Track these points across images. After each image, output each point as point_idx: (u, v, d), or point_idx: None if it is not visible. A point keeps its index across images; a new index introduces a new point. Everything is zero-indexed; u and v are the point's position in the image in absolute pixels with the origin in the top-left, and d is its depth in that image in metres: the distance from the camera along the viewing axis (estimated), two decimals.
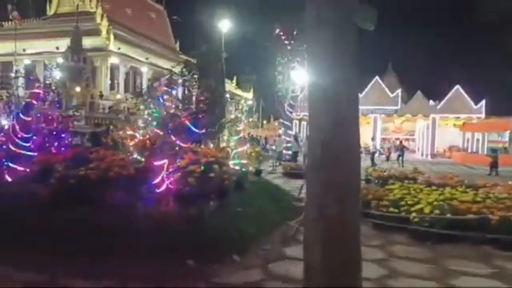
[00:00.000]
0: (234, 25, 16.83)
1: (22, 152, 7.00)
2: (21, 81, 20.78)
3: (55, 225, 5.44)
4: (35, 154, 7.09)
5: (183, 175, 6.01)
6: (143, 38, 37.29)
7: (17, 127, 6.89)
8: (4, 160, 6.97)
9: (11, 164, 6.90)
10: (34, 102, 7.01)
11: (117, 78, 33.99)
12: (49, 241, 5.16)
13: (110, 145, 8.37)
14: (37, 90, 7.07)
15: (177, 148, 6.31)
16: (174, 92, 7.87)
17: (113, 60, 32.87)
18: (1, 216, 5.62)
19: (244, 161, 8.70)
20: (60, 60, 29.40)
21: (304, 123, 33.99)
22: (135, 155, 8.00)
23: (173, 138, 6.30)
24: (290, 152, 20.34)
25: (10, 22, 32.68)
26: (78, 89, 22.85)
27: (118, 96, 31.44)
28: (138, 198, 6.03)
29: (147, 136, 8.36)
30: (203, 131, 6.46)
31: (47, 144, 7.26)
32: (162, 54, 38.54)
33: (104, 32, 32.45)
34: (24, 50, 32.30)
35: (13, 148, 7.00)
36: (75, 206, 5.82)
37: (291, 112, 23.31)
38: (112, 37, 32.28)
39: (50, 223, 5.47)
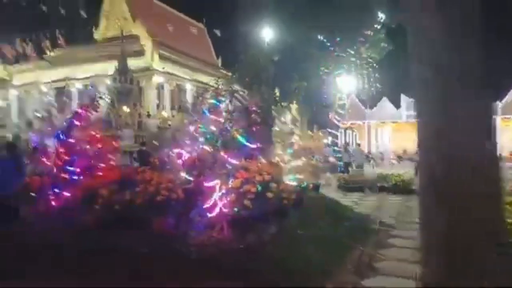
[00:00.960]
0: (276, 34, 16.13)
1: (67, 176, 6.55)
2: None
3: (96, 253, 4.87)
4: (80, 178, 6.63)
5: (238, 196, 5.23)
6: (185, 56, 37.67)
7: (60, 150, 6.47)
8: (50, 186, 6.56)
9: (56, 190, 6.47)
10: (77, 122, 6.59)
11: (162, 97, 34.39)
12: (88, 269, 4.62)
13: (157, 164, 7.78)
14: (79, 110, 6.67)
15: (228, 166, 5.54)
16: (222, 105, 7.15)
17: (158, 79, 33.36)
18: (42, 242, 5.18)
19: (301, 176, 7.81)
20: (109, 82, 30.30)
21: (349, 132, 32.46)
22: (184, 174, 7.36)
23: (224, 155, 5.53)
24: (341, 163, 19.16)
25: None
26: (126, 109, 23.16)
27: (164, 114, 31.73)
28: (188, 224, 5.33)
29: (195, 153, 7.72)
30: (257, 145, 5.66)
31: (92, 167, 6.79)
32: (204, 70, 38.69)
33: (148, 53, 33.04)
34: (75, 75, 33.53)
35: (58, 173, 6.57)
36: (119, 234, 5.22)
37: (338, 121, 22.15)
38: (156, 57, 32.81)
39: (90, 251, 4.91)
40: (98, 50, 34.99)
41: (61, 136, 6.50)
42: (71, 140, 6.50)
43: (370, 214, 8.87)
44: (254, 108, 5.87)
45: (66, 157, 6.40)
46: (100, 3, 38.34)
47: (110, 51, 31.65)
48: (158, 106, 33.90)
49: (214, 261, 4.67)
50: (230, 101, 6.44)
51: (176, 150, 7.60)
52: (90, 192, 5.98)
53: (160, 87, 34.06)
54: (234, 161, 5.38)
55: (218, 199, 5.28)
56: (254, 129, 5.51)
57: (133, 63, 28.35)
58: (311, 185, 8.18)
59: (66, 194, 6.45)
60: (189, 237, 5.06)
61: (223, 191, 5.30)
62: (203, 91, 37.31)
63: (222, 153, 5.49)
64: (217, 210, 5.23)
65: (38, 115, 23.96)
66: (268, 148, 6.71)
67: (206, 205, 5.26)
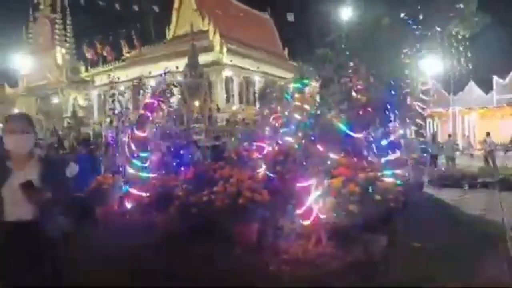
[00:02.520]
0: (354, 13, 14.57)
1: (139, 174, 5.92)
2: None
3: (170, 269, 4.07)
4: (153, 175, 5.98)
5: (339, 199, 4.13)
6: (253, 48, 37.12)
7: (132, 145, 5.85)
8: (122, 184, 5.99)
9: (129, 189, 5.87)
10: (148, 114, 5.93)
11: (231, 90, 34.17)
12: None
13: (234, 160, 6.92)
14: (150, 100, 6.02)
15: (324, 161, 4.44)
16: (307, 89, 6.04)
17: (227, 72, 33.19)
18: (113, 251, 4.51)
19: (398, 171, 6.47)
20: (179, 78, 30.66)
21: (429, 120, 29.46)
22: (264, 171, 6.42)
23: (319, 147, 4.45)
24: (425, 155, 17.01)
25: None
26: (197, 103, 23.04)
27: (234, 107, 31.44)
28: (277, 233, 4.35)
29: (277, 146, 6.72)
30: (363, 134, 4.49)
31: (165, 163, 6.12)
32: (271, 62, 37.87)
33: (217, 47, 33.01)
34: (149, 72, 34.49)
35: (130, 170, 5.97)
36: (197, 243, 4.40)
37: (423, 109, 19.86)
38: (225, 50, 32.65)
39: (163, 265, 4.13)
40: (170, 48, 35.72)
41: (133, 131, 5.89)
42: (143, 134, 5.86)
43: (485, 215, 7.27)
44: (359, 86, 4.68)
45: (138, 153, 5.79)
46: (171, 3, 39.28)
47: (181, 48, 32.08)
48: (227, 99, 33.76)
49: (315, 282, 3.64)
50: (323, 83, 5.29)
51: (255, 144, 6.68)
52: (164, 192, 5.26)
53: (229, 81, 33.88)
54: (333, 155, 4.27)
55: (313, 203, 4.22)
56: (360, 112, 4.33)
57: (202, 58, 28.36)
58: (413, 183, 6.82)
59: (138, 193, 5.83)
60: (279, 251, 4.07)
61: (320, 192, 4.22)
62: (271, 83, 36.47)
63: (317, 146, 4.39)
64: (312, 216, 4.18)
65: (116, 111, 24.63)
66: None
67: (298, 211, 4.23)
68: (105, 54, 29.07)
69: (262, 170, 6.77)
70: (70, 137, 21.95)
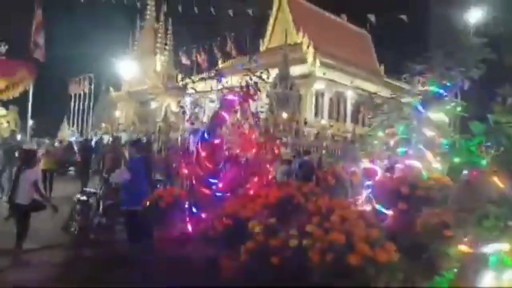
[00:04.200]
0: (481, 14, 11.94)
1: (209, 192, 4.49)
2: None
3: None
4: (225, 195, 4.52)
5: None
6: (347, 63, 34.96)
7: (202, 155, 4.46)
8: (187, 203, 4.61)
9: (195, 210, 4.47)
10: (225, 114, 4.50)
11: (321, 105, 32.31)
12: None
13: (330, 184, 5.16)
14: (231, 96, 4.61)
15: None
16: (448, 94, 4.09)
17: (318, 86, 31.47)
18: None
19: None
20: (269, 89, 29.78)
21: None
22: (373, 204, 4.57)
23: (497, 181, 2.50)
24: None
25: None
26: (284, 115, 21.70)
27: (323, 122, 29.50)
28: None
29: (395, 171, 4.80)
30: None
31: (242, 181, 4.64)
32: (366, 77, 35.23)
33: (310, 59, 31.58)
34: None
35: (197, 185, 4.58)
36: None
37: None
38: (318, 62, 31.08)
39: None
40: (262, 59, 35.18)
41: (205, 135, 4.51)
42: (217, 141, 4.45)
43: None
44: None
45: (209, 164, 4.41)
46: (267, 18, 39.07)
47: (273, 59, 31.33)
48: (316, 114, 31.98)
49: None
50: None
51: (363, 164, 4.84)
52: (237, 222, 3.74)
53: (319, 95, 32.10)
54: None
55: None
56: None
57: (294, 70, 27.12)
58: None
59: (206, 217, 4.38)
60: None
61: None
62: (364, 100, 33.80)
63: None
64: None
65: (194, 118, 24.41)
66: None
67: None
68: (200, 62, 29.34)
69: (365, 201, 4.94)
70: (159, 141, 22.04)
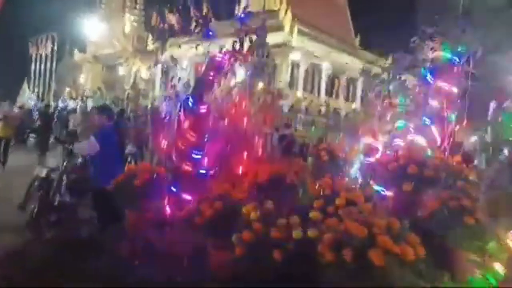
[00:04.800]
0: None
1: (191, 169, 3.89)
2: None
3: None
4: (210, 172, 3.94)
5: None
6: (323, 33, 34.17)
7: (185, 125, 3.82)
8: (166, 181, 4.00)
9: (174, 189, 3.88)
10: (212, 75, 3.85)
11: (296, 76, 31.63)
12: None
13: (323, 160, 4.69)
14: (221, 55, 3.93)
15: None
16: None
17: (294, 56, 30.64)
18: None
19: None
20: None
21: None
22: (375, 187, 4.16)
23: None
24: None
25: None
26: (261, 85, 20.94)
27: (298, 94, 29.04)
28: None
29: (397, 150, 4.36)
30: None
31: (230, 155, 4.06)
32: (342, 49, 34.69)
33: (287, 28, 30.57)
34: (215, 49, 32.87)
35: (179, 161, 3.96)
36: None
37: None
38: (295, 31, 30.14)
39: None
40: (238, 25, 33.79)
41: (188, 102, 3.85)
42: (203, 109, 3.81)
43: None
44: None
45: (193, 137, 3.78)
46: None
47: (250, 25, 30.16)
48: (290, 85, 31.33)
49: None
50: None
51: (365, 140, 4.37)
52: (227, 206, 3.19)
53: (294, 65, 31.34)
54: None
55: None
56: None
57: (270, 38, 26.19)
58: None
59: (188, 198, 3.81)
60: None
61: None
62: (339, 72, 33.49)
63: None
64: None
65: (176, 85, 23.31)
66: None
67: None
68: (173, 23, 27.58)
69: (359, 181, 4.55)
70: (128, 109, 20.89)
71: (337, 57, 33.28)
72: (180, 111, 3.86)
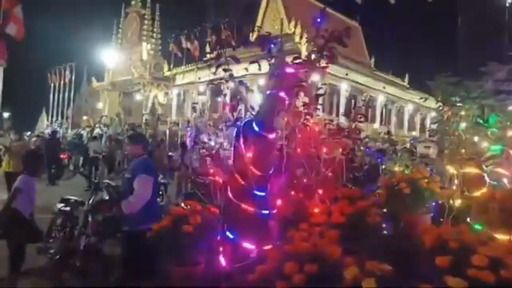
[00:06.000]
0: None
1: (253, 209, 3.04)
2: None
3: None
4: (273, 213, 3.09)
5: None
6: (339, 54, 33.79)
7: (246, 156, 2.98)
8: (221, 223, 3.16)
9: (231, 236, 3.03)
10: (282, 94, 3.01)
11: (314, 97, 31.05)
12: None
13: (404, 194, 3.81)
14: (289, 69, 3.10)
15: None
16: None
17: (313, 77, 30.13)
18: None
19: None
20: (261, 82, 28.32)
21: None
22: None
23: None
24: None
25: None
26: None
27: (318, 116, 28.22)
28: None
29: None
30: None
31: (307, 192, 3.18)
32: (358, 71, 34.21)
33: (303, 50, 30.21)
34: (231, 75, 32.59)
35: (237, 200, 3.11)
36: None
37: None
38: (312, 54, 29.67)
39: None
40: (252, 51, 33.67)
41: (253, 128, 3.01)
42: (271, 136, 2.98)
43: None
44: None
45: (257, 171, 2.92)
46: (256, 8, 37.39)
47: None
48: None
49: None
50: None
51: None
52: (324, 267, 2.32)
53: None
54: None
55: None
56: None
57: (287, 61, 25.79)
58: None
59: (250, 247, 2.95)
60: None
61: None
62: (357, 93, 32.76)
63: None
64: None
65: (194, 112, 22.93)
66: None
67: None
68: (191, 50, 27.37)
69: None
70: (146, 134, 20.33)
71: (355, 78, 32.77)
72: (238, 138, 3.04)
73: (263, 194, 3.07)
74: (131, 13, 34.20)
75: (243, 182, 3.02)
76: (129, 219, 3.84)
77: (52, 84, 39.28)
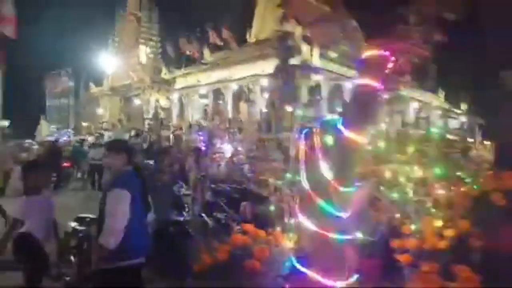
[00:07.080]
0: None
1: (329, 234, 2.41)
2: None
3: None
4: (354, 238, 2.46)
5: None
6: (341, 53, 33.42)
7: (320, 162, 2.33)
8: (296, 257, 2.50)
9: (301, 267, 2.39)
10: (374, 86, 2.30)
11: (320, 97, 30.59)
12: None
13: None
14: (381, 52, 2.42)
15: None
16: None
17: (316, 77, 29.74)
18: None
19: None
20: (263, 82, 27.86)
21: None
22: None
23: None
24: None
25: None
26: (290, 109, 19.59)
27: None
28: None
29: None
30: None
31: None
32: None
33: (305, 50, 29.76)
34: (230, 77, 32.02)
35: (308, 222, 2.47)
36: None
37: None
38: (315, 53, 29.40)
39: None
40: (252, 51, 33.12)
41: (338, 127, 2.33)
42: (361, 139, 2.32)
43: None
44: None
45: (339, 185, 2.26)
46: (252, 7, 36.79)
47: (263, 51, 29.64)
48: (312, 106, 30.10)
49: None
50: None
51: None
52: None
53: (316, 87, 30.21)
54: None
55: None
56: None
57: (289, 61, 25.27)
58: None
59: (330, 284, 2.32)
60: None
61: None
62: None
63: None
64: None
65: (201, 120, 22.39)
66: None
67: None
68: (188, 53, 26.77)
69: None
70: (150, 140, 19.65)
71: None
72: (311, 143, 2.37)
73: (341, 214, 2.42)
74: (128, 15, 33.54)
75: (320, 200, 2.37)
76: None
77: (49, 90, 38.56)
